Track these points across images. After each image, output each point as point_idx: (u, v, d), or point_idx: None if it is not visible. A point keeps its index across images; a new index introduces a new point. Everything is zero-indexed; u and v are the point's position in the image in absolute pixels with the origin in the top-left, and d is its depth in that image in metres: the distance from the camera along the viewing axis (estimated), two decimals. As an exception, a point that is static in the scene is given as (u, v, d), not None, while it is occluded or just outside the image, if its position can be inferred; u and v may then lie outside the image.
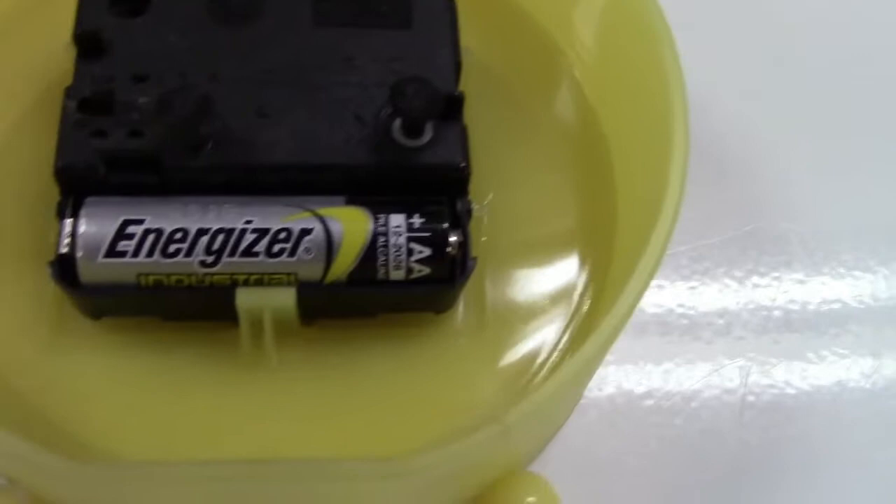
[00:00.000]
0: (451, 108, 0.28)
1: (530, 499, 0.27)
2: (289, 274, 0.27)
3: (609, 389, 0.33)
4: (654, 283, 0.25)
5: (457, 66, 0.29)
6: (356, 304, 0.28)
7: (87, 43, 0.28)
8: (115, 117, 0.27)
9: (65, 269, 0.26)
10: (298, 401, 0.28)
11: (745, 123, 0.37)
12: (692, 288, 0.35)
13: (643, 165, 0.29)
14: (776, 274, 0.35)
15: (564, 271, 0.30)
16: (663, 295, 0.35)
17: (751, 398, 0.33)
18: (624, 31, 0.30)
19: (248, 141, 0.27)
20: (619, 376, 0.33)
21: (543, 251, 0.30)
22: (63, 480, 0.23)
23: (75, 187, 0.27)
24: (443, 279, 0.27)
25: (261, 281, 0.27)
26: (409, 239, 0.27)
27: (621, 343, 0.27)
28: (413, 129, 0.28)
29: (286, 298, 0.27)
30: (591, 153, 0.31)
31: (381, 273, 0.27)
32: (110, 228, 0.26)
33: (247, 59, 0.29)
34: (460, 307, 0.29)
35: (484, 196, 0.30)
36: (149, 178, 0.27)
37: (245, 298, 0.26)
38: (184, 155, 0.27)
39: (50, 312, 0.28)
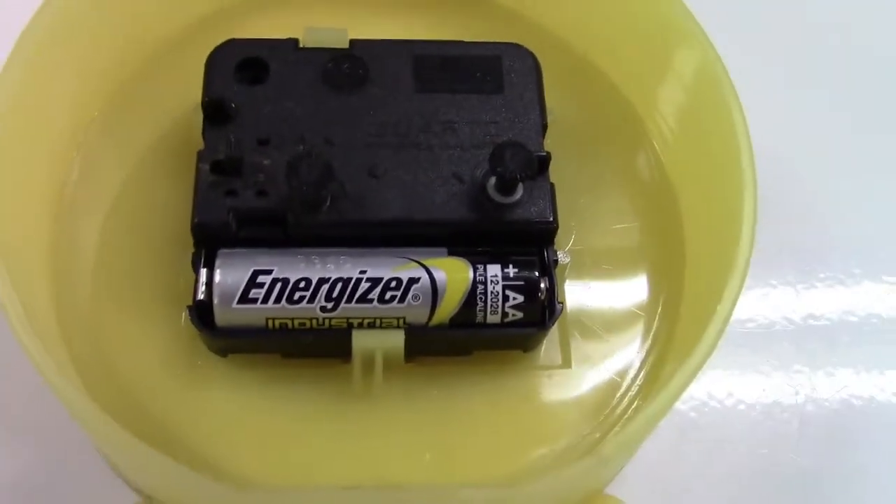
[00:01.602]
0: (540, 166, 0.32)
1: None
2: (398, 318, 0.30)
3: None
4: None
5: (543, 128, 0.33)
6: (456, 344, 0.31)
7: (215, 109, 0.32)
8: (242, 178, 0.31)
9: (202, 313, 0.30)
10: (401, 429, 0.31)
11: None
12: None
13: (711, 217, 0.32)
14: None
15: (640, 309, 0.34)
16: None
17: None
18: (700, 104, 0.33)
19: (361, 199, 0.31)
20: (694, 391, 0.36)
21: (620, 291, 0.34)
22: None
23: (209, 240, 0.30)
24: (534, 322, 0.31)
25: (374, 324, 0.30)
26: (505, 287, 0.30)
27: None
28: (507, 188, 0.31)
29: (396, 340, 0.30)
30: (662, 205, 0.35)
31: (479, 317, 0.30)
32: (243, 278, 0.30)
33: (357, 124, 0.32)
34: (546, 344, 0.32)
35: (566, 242, 0.33)
36: (274, 233, 0.30)
37: (360, 340, 0.30)
38: (306, 213, 0.30)
39: (184, 350, 0.32)
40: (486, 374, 0.32)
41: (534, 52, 0.34)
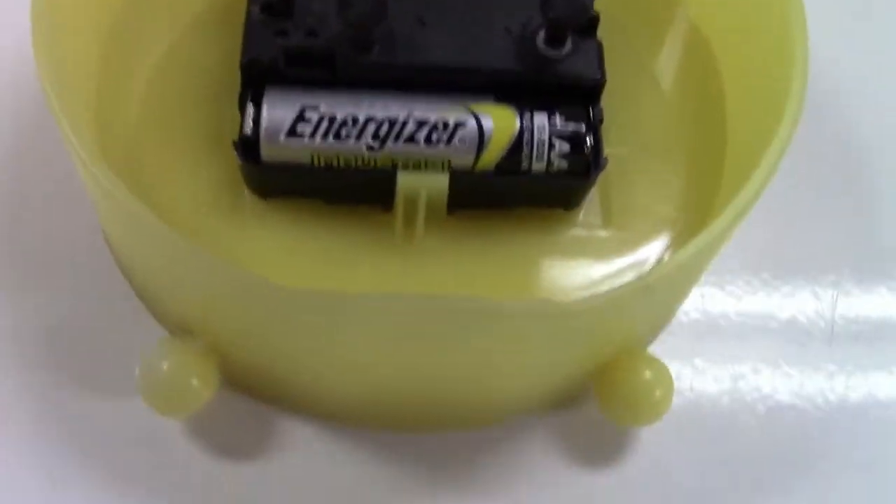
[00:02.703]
0: (589, 25, 0.32)
1: (647, 373, 0.30)
2: (444, 160, 0.30)
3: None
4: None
5: (592, -3, 0.33)
6: (499, 192, 0.31)
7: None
8: (293, 20, 0.31)
9: (248, 148, 0.30)
10: (440, 282, 0.31)
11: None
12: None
13: (755, 101, 0.32)
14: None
15: (678, 182, 0.34)
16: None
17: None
18: None
19: (411, 43, 0.31)
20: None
21: (660, 163, 0.34)
22: (268, 303, 0.26)
23: (257, 79, 0.30)
24: (579, 173, 0.31)
25: (419, 165, 0.30)
26: (552, 135, 0.30)
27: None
28: (556, 40, 0.31)
29: (441, 182, 0.30)
30: (704, 85, 0.35)
31: (524, 165, 0.30)
32: (291, 112, 0.30)
33: (410, -21, 0.32)
34: (587, 206, 0.32)
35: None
36: (323, 73, 0.30)
37: (405, 180, 0.30)
38: (354, 54, 0.30)
39: (227, 191, 0.32)
40: (527, 230, 0.32)
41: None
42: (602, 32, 0.32)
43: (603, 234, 0.33)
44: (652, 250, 0.32)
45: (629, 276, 0.31)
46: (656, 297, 0.28)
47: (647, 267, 0.32)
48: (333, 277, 0.31)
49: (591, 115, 0.31)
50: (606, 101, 0.32)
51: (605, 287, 0.26)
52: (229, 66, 0.31)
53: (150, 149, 0.32)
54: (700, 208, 0.32)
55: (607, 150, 0.32)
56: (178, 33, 0.34)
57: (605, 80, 0.31)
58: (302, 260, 0.31)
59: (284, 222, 0.31)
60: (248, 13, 0.31)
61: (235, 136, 0.30)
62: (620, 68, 0.32)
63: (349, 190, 0.31)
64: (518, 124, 0.30)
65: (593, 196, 0.33)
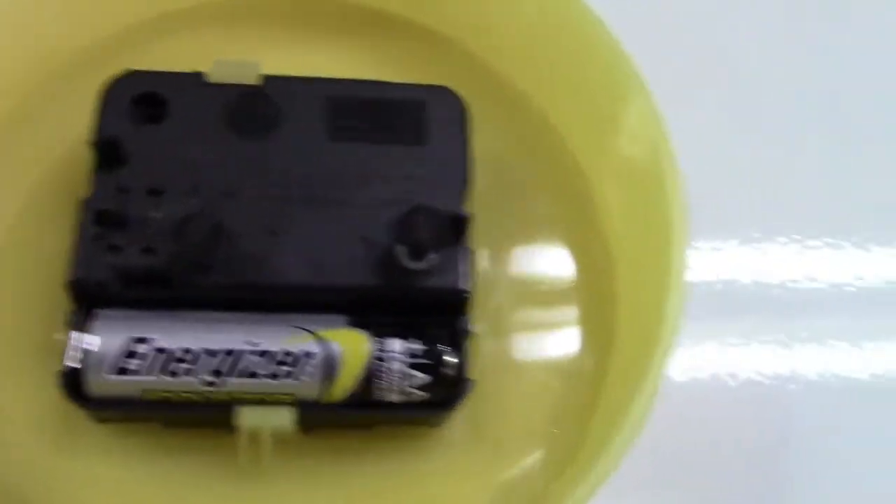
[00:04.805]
0: (456, 229, 0.29)
1: None
2: (289, 395, 0.27)
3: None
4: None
5: (466, 186, 0.30)
6: (353, 422, 0.29)
7: (107, 151, 0.29)
8: (129, 232, 0.28)
9: (73, 382, 0.27)
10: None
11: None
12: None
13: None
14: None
15: (560, 388, 0.31)
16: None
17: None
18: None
19: (258, 260, 0.28)
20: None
21: (538, 368, 0.31)
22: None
23: (88, 299, 0.28)
24: (439, 403, 0.28)
25: (261, 400, 0.27)
26: (408, 365, 0.27)
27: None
28: (418, 254, 0.28)
29: (285, 418, 0.28)
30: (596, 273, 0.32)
31: (377, 396, 0.28)
32: (119, 346, 0.27)
33: (261, 173, 0.29)
34: (456, 420, 0.30)
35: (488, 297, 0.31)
36: (159, 294, 0.28)
37: (245, 418, 0.27)
38: (194, 274, 0.28)
39: (56, 414, 0.29)
40: (388, 450, 0.30)
41: (469, 86, 0.32)
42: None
43: (472, 451, 0.30)
44: (525, 468, 0.30)
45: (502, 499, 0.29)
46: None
47: (522, 487, 0.29)
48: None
49: (456, 331, 0.28)
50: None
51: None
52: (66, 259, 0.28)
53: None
54: (578, 419, 0.30)
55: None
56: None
57: (471, 293, 0.28)
58: (136, 494, 0.28)
59: (119, 448, 0.29)
60: (81, 221, 0.28)
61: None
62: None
63: (188, 421, 0.28)
64: (370, 352, 0.27)
65: (463, 408, 0.30)
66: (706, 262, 0.37)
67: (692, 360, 0.35)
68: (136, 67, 0.31)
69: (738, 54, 0.41)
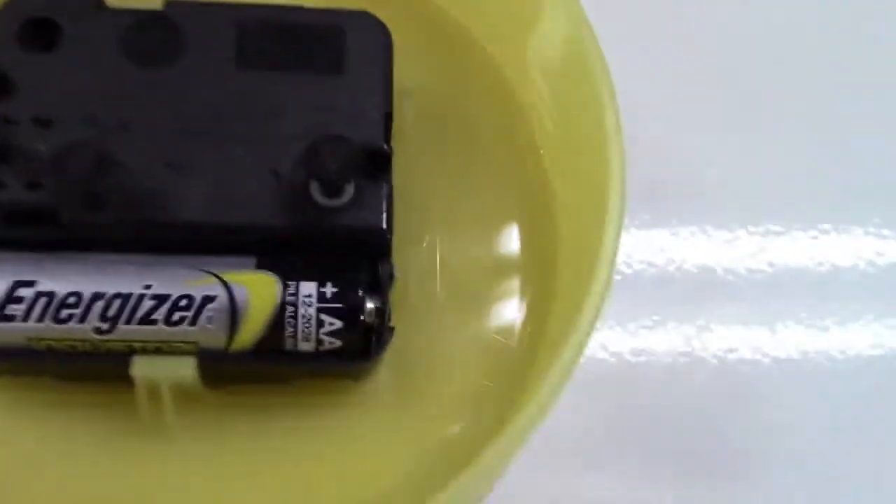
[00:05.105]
0: (376, 164, 0.26)
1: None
2: (189, 343, 0.25)
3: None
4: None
5: (387, 118, 0.27)
6: (263, 373, 0.26)
7: (-8, 80, 0.26)
8: (13, 165, 0.25)
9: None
10: (199, 473, 0.26)
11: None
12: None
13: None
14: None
15: (495, 335, 0.28)
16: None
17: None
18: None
19: (156, 196, 0.26)
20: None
21: (472, 311, 0.28)
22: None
23: (-33, 240, 0.25)
24: (356, 352, 0.25)
25: (159, 349, 0.25)
26: (320, 310, 0.25)
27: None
28: (332, 190, 0.26)
29: (186, 369, 0.25)
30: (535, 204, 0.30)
31: (289, 344, 0.25)
32: (0, 291, 0.24)
33: (161, 104, 0.27)
34: (381, 374, 0.27)
35: (420, 240, 0.29)
36: (47, 233, 0.25)
37: (141, 368, 0.25)
38: (84, 210, 0.25)
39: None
40: (306, 406, 0.27)
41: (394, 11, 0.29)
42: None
43: (399, 407, 0.28)
44: (456, 426, 0.27)
45: (431, 461, 0.27)
46: None
47: (453, 449, 0.27)
48: (65, 474, 0.26)
49: (378, 274, 0.26)
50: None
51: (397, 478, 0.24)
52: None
53: None
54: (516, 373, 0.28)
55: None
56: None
57: (391, 233, 0.26)
58: (26, 453, 0.26)
59: (6, 403, 0.26)
60: (-43, 157, 0.25)
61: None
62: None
63: (80, 373, 0.25)
64: (279, 296, 0.25)
65: (388, 358, 0.27)
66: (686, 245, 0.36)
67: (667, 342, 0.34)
68: (27, -10, 0.28)
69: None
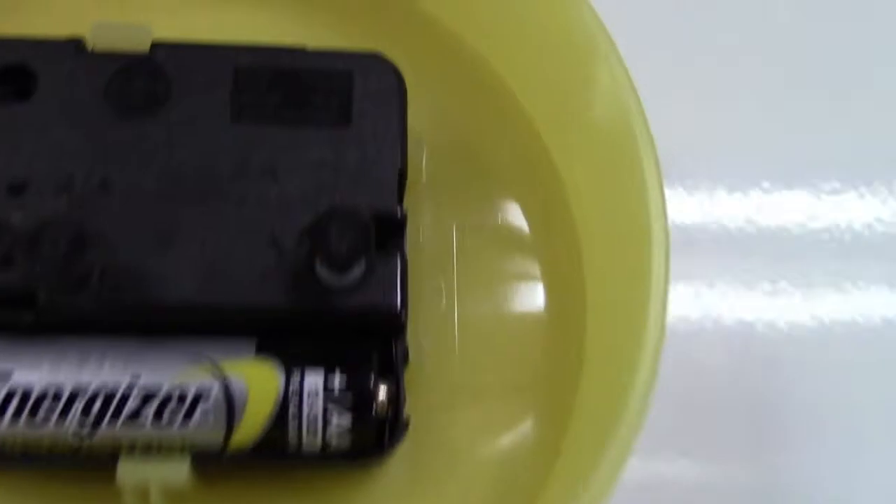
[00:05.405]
0: (389, 233, 0.23)
1: None
2: (182, 443, 0.22)
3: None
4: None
5: (401, 177, 0.24)
6: (264, 473, 0.23)
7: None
8: (-18, 239, 0.22)
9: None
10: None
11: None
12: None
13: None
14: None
15: (514, 424, 0.25)
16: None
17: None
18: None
19: (142, 273, 0.23)
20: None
21: (491, 402, 0.26)
22: None
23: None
24: (367, 449, 0.23)
25: (149, 449, 0.22)
26: (327, 404, 0.22)
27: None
28: (339, 267, 0.23)
29: (177, 472, 0.22)
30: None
31: (292, 443, 0.22)
32: (-33, 385, 0.22)
33: (146, 162, 0.24)
34: (391, 461, 0.25)
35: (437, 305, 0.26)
36: (23, 316, 0.22)
37: (129, 472, 0.22)
38: (63, 291, 0.22)
39: None
40: (312, 497, 0.24)
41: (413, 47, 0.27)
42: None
43: (412, 494, 0.25)
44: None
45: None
46: None
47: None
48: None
49: (393, 356, 0.23)
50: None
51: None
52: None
53: None
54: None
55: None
56: None
57: (407, 314, 0.23)
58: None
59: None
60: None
61: None
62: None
63: (62, 474, 0.23)
64: (281, 390, 0.22)
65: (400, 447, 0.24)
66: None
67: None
68: (1, 32, 0.25)
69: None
